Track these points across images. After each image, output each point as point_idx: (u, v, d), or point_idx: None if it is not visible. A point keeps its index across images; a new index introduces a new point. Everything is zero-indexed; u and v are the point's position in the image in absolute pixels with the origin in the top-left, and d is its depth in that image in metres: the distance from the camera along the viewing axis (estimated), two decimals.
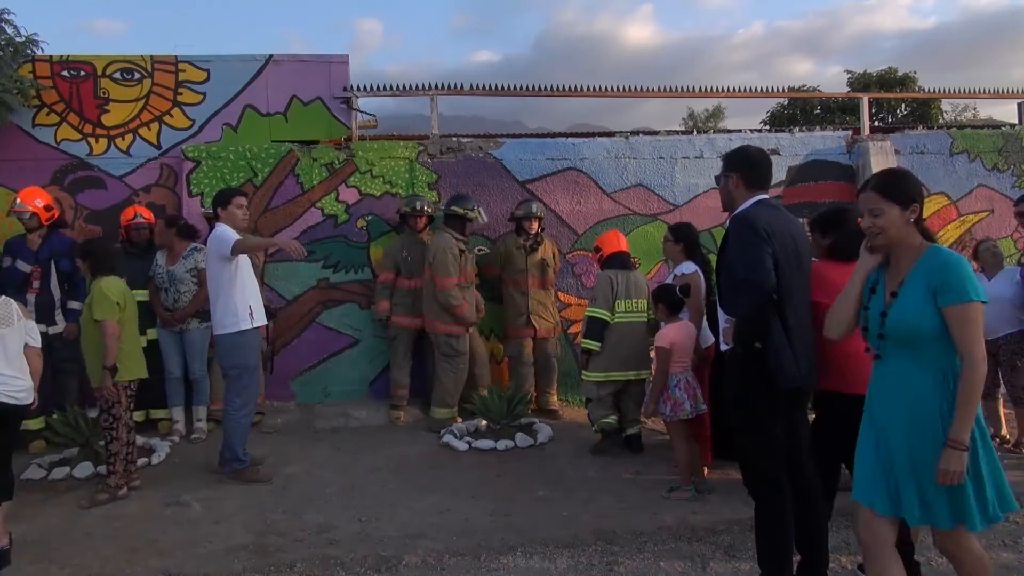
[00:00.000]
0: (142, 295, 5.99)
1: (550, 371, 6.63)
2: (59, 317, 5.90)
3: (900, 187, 2.68)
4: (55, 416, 5.53)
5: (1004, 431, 5.57)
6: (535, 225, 6.55)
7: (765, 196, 3.30)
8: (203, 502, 4.64)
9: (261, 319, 5.14)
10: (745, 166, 3.32)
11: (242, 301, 4.98)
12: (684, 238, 5.07)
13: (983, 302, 2.51)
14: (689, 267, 4.94)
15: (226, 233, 4.94)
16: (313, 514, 4.43)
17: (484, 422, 5.98)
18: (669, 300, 4.72)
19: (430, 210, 6.60)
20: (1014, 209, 5.71)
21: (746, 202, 3.27)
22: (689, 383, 4.60)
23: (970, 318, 2.49)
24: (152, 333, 6.08)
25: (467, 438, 5.80)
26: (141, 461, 5.36)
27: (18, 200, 5.87)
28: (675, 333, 4.64)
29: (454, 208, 6.32)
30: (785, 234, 3.17)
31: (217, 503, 4.63)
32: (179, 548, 3.99)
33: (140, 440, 5.80)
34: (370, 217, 6.88)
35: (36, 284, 5.82)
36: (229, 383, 5.07)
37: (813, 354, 3.23)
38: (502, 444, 5.61)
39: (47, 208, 5.92)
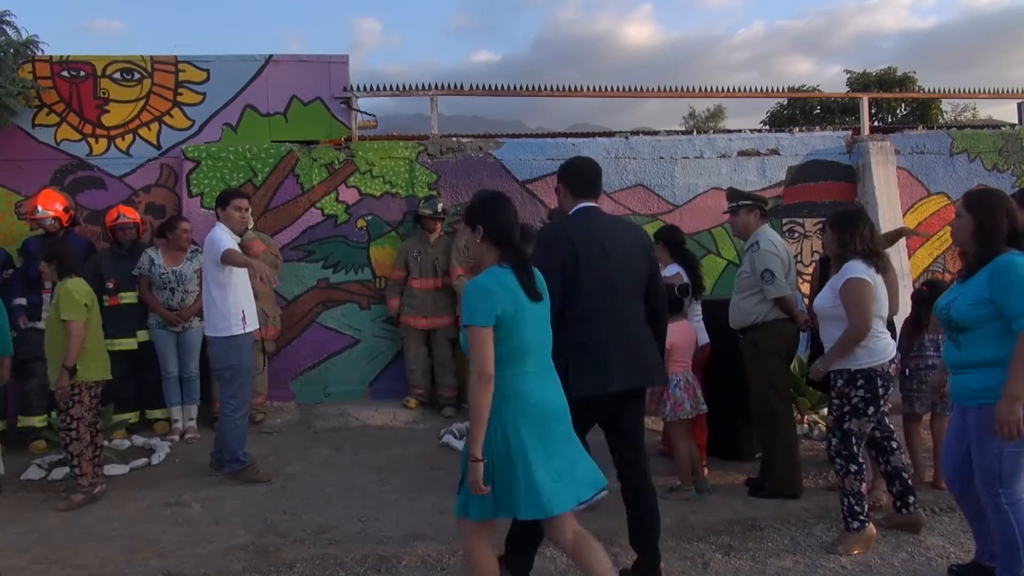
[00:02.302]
0: (131, 297, 6.00)
1: None
2: None
3: (468, 210, 2.95)
4: (55, 415, 5.54)
5: None
6: None
7: (590, 204, 3.38)
8: (203, 502, 4.63)
9: (253, 324, 5.07)
10: (569, 177, 3.46)
11: (235, 305, 4.92)
12: (664, 239, 5.10)
13: (479, 326, 2.65)
14: (672, 269, 4.98)
15: (220, 238, 4.88)
16: (313, 514, 4.43)
17: None
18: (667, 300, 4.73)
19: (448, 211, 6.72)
20: None
21: (571, 210, 3.41)
22: (689, 383, 4.59)
23: (469, 341, 2.69)
24: (143, 335, 6.06)
25: (467, 438, 5.79)
26: (141, 461, 5.38)
27: (39, 207, 5.89)
28: (674, 333, 4.62)
29: None
30: (591, 240, 3.22)
31: (217, 503, 4.62)
32: (179, 548, 3.99)
33: (140, 440, 5.82)
34: (370, 217, 6.88)
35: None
36: (223, 385, 5.02)
37: (635, 352, 3.28)
38: None
39: (66, 210, 5.99)
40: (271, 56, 7.04)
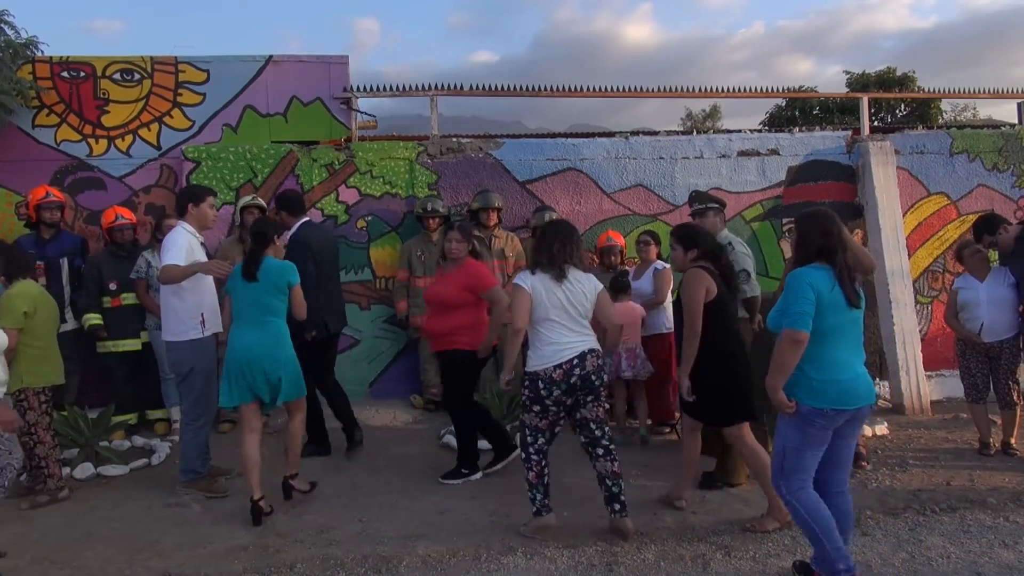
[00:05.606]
0: (132, 297, 5.99)
1: None
2: (68, 315, 5.90)
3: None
4: (55, 416, 5.53)
5: (992, 438, 5.34)
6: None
7: (307, 219, 5.36)
8: (203, 502, 4.64)
9: (215, 326, 4.80)
10: (287, 204, 5.29)
11: (194, 307, 4.67)
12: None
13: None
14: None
15: (173, 245, 4.59)
16: (313, 514, 4.44)
17: None
18: (613, 286, 5.61)
19: (443, 211, 6.71)
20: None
21: (294, 226, 5.22)
22: (631, 352, 5.63)
23: None
24: (145, 336, 6.06)
25: None
26: (141, 462, 5.39)
27: (49, 192, 5.97)
28: (620, 312, 5.24)
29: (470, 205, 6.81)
30: (320, 239, 5.31)
31: (217, 503, 4.63)
32: (179, 548, 4.00)
33: (140, 441, 5.82)
34: (370, 218, 6.88)
35: (43, 282, 5.81)
36: (184, 392, 4.78)
37: (339, 308, 5.52)
38: None
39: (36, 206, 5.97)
40: (271, 56, 7.05)
